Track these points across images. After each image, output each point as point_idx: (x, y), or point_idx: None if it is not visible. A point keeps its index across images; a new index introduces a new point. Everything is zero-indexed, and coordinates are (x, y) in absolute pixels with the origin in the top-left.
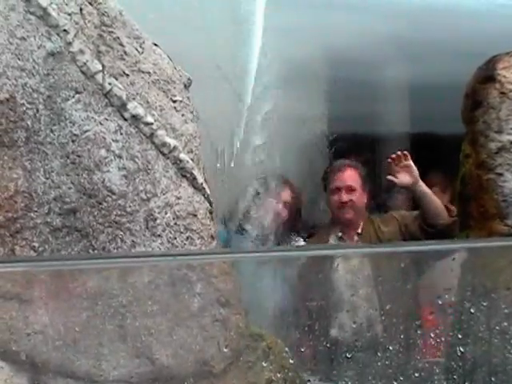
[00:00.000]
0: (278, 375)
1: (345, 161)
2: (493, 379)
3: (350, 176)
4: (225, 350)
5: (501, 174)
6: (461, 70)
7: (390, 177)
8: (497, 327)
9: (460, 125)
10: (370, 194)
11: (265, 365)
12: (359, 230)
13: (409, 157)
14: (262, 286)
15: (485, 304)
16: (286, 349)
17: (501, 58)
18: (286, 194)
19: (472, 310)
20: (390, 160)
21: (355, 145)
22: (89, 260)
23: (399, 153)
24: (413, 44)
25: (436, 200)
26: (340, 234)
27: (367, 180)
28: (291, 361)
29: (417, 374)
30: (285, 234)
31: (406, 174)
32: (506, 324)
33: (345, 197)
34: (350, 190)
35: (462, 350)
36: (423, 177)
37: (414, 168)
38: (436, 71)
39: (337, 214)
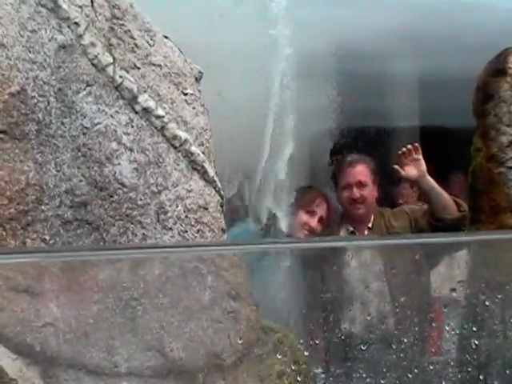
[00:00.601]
0: (290, 368)
1: (355, 156)
2: (507, 372)
3: (361, 171)
4: (236, 342)
5: (511, 168)
6: (472, 63)
7: (396, 166)
8: (511, 320)
9: (471, 118)
10: (380, 188)
11: (276, 358)
12: (370, 225)
13: (419, 150)
14: (273, 278)
15: (499, 297)
16: (298, 341)
17: None
18: (323, 210)
19: (487, 303)
20: (400, 153)
21: (364, 138)
22: (99, 251)
23: (410, 146)
24: (424, 37)
25: (444, 194)
26: (351, 229)
27: (378, 173)
28: (305, 353)
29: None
30: None
31: (413, 168)
32: None
33: (356, 193)
34: (361, 185)
35: (476, 342)
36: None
37: (422, 162)
38: (448, 64)
39: (348, 210)
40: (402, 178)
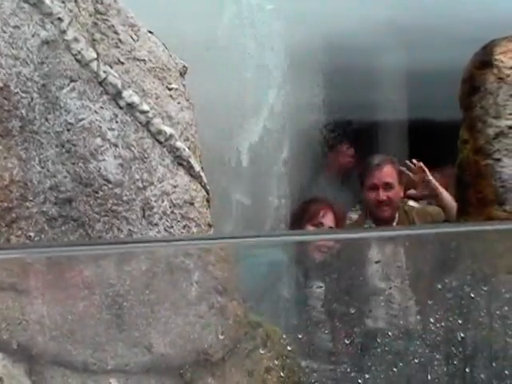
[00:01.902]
0: (277, 362)
1: (381, 156)
2: (493, 364)
3: (387, 173)
4: (223, 338)
5: (499, 160)
6: (460, 56)
7: (410, 192)
8: (497, 312)
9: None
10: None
11: (263, 353)
12: (394, 223)
13: (426, 172)
14: (262, 272)
15: (485, 289)
16: (284, 336)
17: (498, 42)
18: (329, 220)
19: (472, 295)
20: (404, 169)
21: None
22: (85, 246)
23: (416, 164)
24: (412, 30)
25: None
26: (374, 226)
27: (402, 173)
28: (289, 348)
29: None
30: None
31: (426, 189)
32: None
33: (383, 195)
34: (388, 187)
35: (462, 335)
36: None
37: (434, 182)
38: (437, 57)
39: (374, 212)
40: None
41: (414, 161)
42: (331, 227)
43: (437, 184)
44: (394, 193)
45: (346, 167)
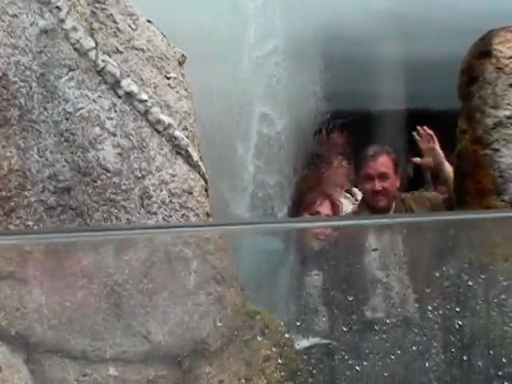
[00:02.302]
0: (275, 351)
1: (376, 147)
2: (491, 352)
3: (383, 163)
4: (221, 327)
5: (497, 150)
6: (457, 45)
7: (415, 159)
8: (495, 300)
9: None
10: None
11: (261, 341)
12: (391, 213)
13: (434, 139)
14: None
15: (483, 277)
16: (282, 323)
17: (497, 32)
18: (326, 208)
19: (470, 283)
20: (415, 134)
21: (350, 121)
22: (83, 232)
23: (422, 132)
24: (410, 20)
25: None
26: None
27: (399, 163)
28: (287, 335)
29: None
30: None
31: (430, 157)
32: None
33: (378, 185)
34: (384, 177)
35: (459, 323)
36: None
37: (439, 151)
38: (435, 47)
39: (370, 202)
40: (420, 166)
41: (425, 127)
42: (328, 215)
43: (441, 153)
44: (389, 183)
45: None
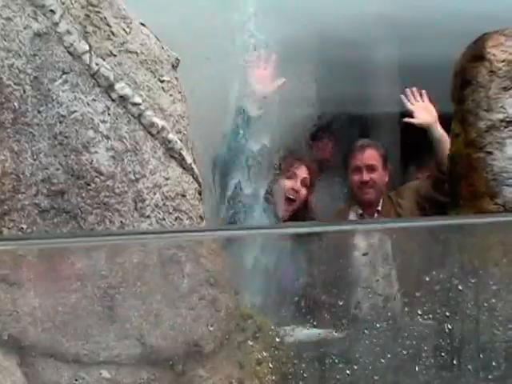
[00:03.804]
0: (267, 354)
1: (365, 140)
2: (481, 356)
3: (371, 155)
4: (215, 330)
5: (490, 153)
6: (450, 49)
7: (406, 119)
8: (485, 304)
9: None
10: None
11: (254, 344)
12: (379, 208)
13: (425, 96)
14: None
15: (473, 281)
16: (275, 327)
17: (490, 36)
18: (303, 172)
19: (460, 287)
20: (403, 96)
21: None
22: (77, 238)
23: (413, 89)
24: (403, 24)
25: None
26: (360, 211)
27: (387, 158)
28: (277, 339)
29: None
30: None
31: (426, 113)
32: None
33: (366, 176)
34: (371, 169)
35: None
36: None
37: (432, 108)
38: (429, 51)
39: (358, 194)
40: (415, 125)
41: (414, 89)
42: (305, 177)
43: (434, 111)
44: (377, 174)
45: (326, 161)
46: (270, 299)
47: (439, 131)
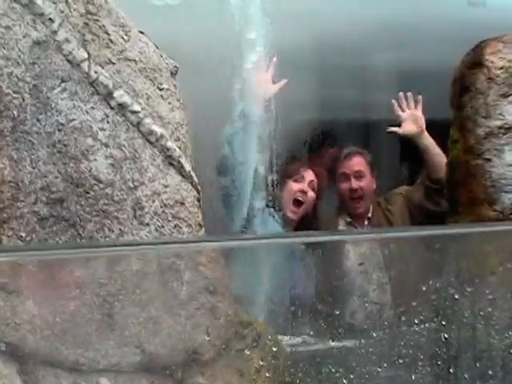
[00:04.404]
0: (267, 363)
1: (352, 148)
2: (477, 365)
3: (358, 162)
4: (214, 338)
5: (489, 160)
6: (449, 56)
7: (391, 128)
8: (481, 312)
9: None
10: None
11: (254, 352)
12: (369, 214)
13: (419, 104)
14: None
15: (469, 290)
16: (276, 336)
17: (488, 43)
18: (310, 174)
19: (456, 296)
20: (394, 101)
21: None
22: (76, 249)
23: (407, 94)
24: (402, 30)
25: (441, 153)
26: (349, 219)
27: (375, 166)
28: (275, 349)
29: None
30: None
31: (412, 124)
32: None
33: (354, 184)
34: (359, 176)
35: (445, 336)
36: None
37: (422, 118)
38: (428, 57)
39: (349, 206)
40: (400, 135)
41: (408, 94)
42: (312, 180)
43: (422, 119)
44: (366, 182)
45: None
46: (269, 308)
47: (426, 141)
